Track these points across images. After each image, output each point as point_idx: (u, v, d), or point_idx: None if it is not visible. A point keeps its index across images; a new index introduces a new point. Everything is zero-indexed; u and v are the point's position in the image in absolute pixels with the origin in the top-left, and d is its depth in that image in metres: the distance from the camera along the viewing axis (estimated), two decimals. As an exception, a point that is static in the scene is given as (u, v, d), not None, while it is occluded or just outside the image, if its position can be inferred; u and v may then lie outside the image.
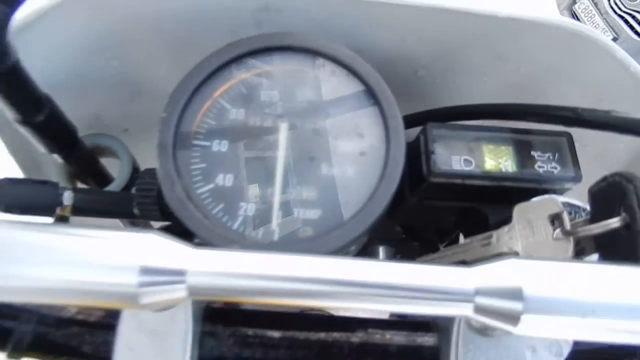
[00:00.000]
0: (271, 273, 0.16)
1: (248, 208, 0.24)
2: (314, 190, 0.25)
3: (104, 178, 0.34)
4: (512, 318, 0.17)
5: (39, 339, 0.22)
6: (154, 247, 0.16)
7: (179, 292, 0.16)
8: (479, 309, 0.17)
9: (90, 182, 0.33)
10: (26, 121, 0.25)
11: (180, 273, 0.16)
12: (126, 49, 0.31)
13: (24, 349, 0.22)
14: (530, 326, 0.18)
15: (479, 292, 0.17)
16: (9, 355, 0.22)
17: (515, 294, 0.17)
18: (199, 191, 0.24)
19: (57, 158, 0.29)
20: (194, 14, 0.29)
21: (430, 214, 0.32)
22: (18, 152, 0.32)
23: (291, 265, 0.17)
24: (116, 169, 0.36)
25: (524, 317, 0.17)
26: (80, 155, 0.30)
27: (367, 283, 0.17)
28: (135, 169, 0.33)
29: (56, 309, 0.22)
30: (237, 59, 0.26)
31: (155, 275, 0.15)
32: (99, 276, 0.15)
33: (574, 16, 2.94)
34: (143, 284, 0.15)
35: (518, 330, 0.18)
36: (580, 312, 0.17)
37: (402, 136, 0.25)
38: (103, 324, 0.22)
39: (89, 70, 0.31)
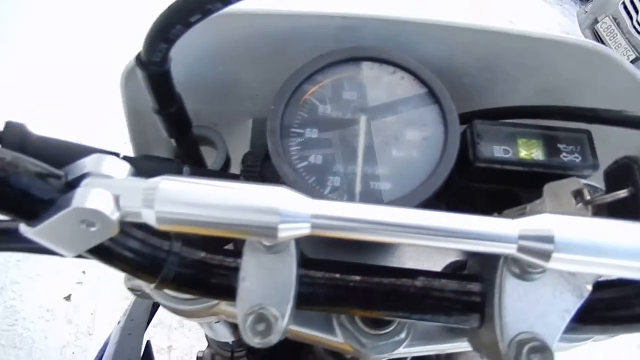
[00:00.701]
0: (366, 216, 0.23)
1: (334, 180, 0.32)
2: (386, 168, 0.32)
3: (200, 162, 0.41)
4: (545, 256, 0.24)
5: (179, 275, 0.27)
6: (287, 196, 0.23)
7: (304, 229, 0.23)
8: (521, 249, 0.24)
9: (191, 164, 0.41)
10: (161, 111, 0.33)
11: (307, 215, 0.22)
12: (228, 57, 0.38)
13: (167, 281, 0.28)
14: (558, 262, 0.24)
15: (521, 237, 0.24)
16: (156, 287, 0.28)
17: (548, 238, 0.24)
18: (298, 166, 0.32)
19: (172, 142, 0.36)
20: (285, 32, 0.37)
21: (471, 195, 0.38)
22: (138, 136, 0.40)
23: (379, 212, 0.24)
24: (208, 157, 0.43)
25: (554, 255, 0.24)
26: (188, 142, 0.38)
27: (441, 228, 0.24)
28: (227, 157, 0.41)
29: (192, 252, 0.28)
30: (327, 66, 0.34)
31: (289, 216, 0.22)
32: (251, 216, 0.21)
33: (596, 34, 2.97)
34: (281, 222, 0.22)
35: (550, 265, 0.24)
36: (595, 252, 0.24)
37: (457, 126, 0.32)
38: (227, 265, 0.29)
39: (201, 73, 0.38)
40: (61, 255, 0.25)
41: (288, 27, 0.36)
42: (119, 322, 0.48)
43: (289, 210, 0.22)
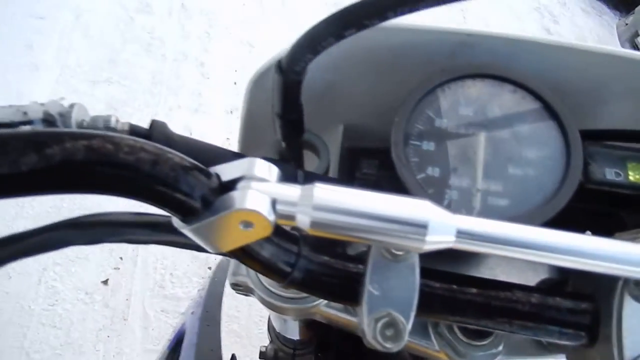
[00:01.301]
0: (509, 234, 0.24)
1: (452, 194, 0.32)
2: (503, 184, 0.32)
3: (302, 165, 0.42)
4: None
5: (306, 277, 0.28)
6: (434, 210, 0.24)
7: (448, 243, 0.24)
8: None
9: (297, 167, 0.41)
10: (283, 117, 0.34)
11: (452, 229, 0.23)
12: (340, 67, 0.39)
13: (295, 282, 0.29)
14: None
15: None
16: (283, 286, 0.29)
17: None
18: (418, 177, 0.32)
19: (281, 144, 0.37)
20: (401, 45, 0.37)
21: (571, 215, 0.39)
22: (247, 136, 0.40)
23: (523, 231, 0.24)
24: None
25: None
26: (296, 146, 0.38)
27: (580, 250, 0.25)
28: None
29: (318, 256, 0.29)
30: (448, 82, 0.35)
31: (436, 229, 0.23)
32: (400, 226, 0.23)
33: (636, 48, 2.92)
34: (429, 234, 0.23)
35: None
36: None
37: (580, 145, 0.33)
38: (350, 270, 0.29)
39: (315, 81, 0.39)
40: (205, 251, 0.26)
41: (405, 41, 0.37)
42: (192, 312, 0.49)
43: (436, 223, 0.23)
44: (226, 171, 0.23)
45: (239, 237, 0.23)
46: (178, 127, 1.83)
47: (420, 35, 0.36)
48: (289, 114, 0.33)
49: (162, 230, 0.25)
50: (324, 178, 0.39)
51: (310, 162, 0.39)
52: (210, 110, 1.95)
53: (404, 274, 0.26)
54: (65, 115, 0.25)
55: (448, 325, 0.35)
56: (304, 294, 0.33)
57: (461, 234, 0.23)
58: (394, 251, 0.26)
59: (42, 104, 0.26)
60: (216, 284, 0.53)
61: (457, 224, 0.23)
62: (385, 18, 0.26)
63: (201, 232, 0.22)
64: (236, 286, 0.35)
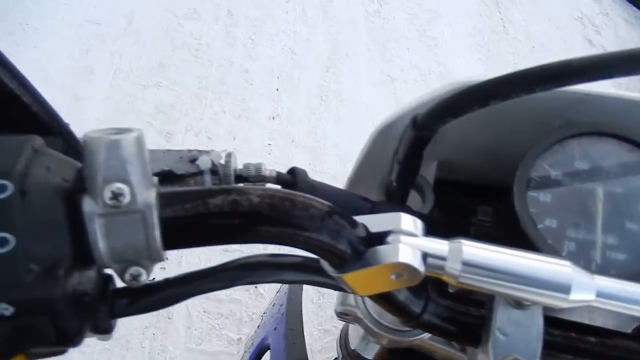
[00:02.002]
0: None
1: (570, 245, 0.34)
2: (621, 240, 0.34)
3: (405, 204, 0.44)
4: None
5: (433, 319, 0.29)
6: (577, 271, 0.25)
7: (586, 302, 0.25)
8: None
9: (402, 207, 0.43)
10: (404, 163, 0.35)
11: (593, 290, 0.25)
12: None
13: (422, 323, 0.30)
14: None
15: None
16: (409, 326, 0.31)
17: None
18: (539, 226, 0.34)
19: (394, 185, 0.38)
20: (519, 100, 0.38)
21: None
22: (358, 176, 0.42)
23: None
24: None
25: None
26: (407, 187, 0.40)
27: None
28: None
29: (444, 300, 0.31)
30: (566, 138, 0.36)
31: (578, 290, 0.25)
32: (544, 286, 0.25)
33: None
34: (571, 294, 0.25)
35: None
36: None
37: None
38: (472, 314, 0.30)
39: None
40: (344, 290, 0.28)
41: (518, 103, 0.38)
42: (275, 329, 0.52)
43: (579, 285, 0.25)
44: (373, 223, 0.25)
45: (386, 285, 0.25)
46: (222, 132, 1.89)
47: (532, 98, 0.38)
48: (410, 162, 0.35)
49: (311, 272, 0.27)
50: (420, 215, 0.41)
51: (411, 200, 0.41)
52: (253, 116, 1.99)
53: (529, 321, 0.27)
54: (225, 165, 0.28)
55: None
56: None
57: (601, 294, 0.25)
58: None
59: (208, 153, 0.29)
60: (294, 302, 0.56)
61: (598, 286, 0.25)
62: (533, 91, 0.27)
63: (350, 278, 0.25)
64: (343, 315, 0.37)
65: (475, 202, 0.40)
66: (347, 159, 2.06)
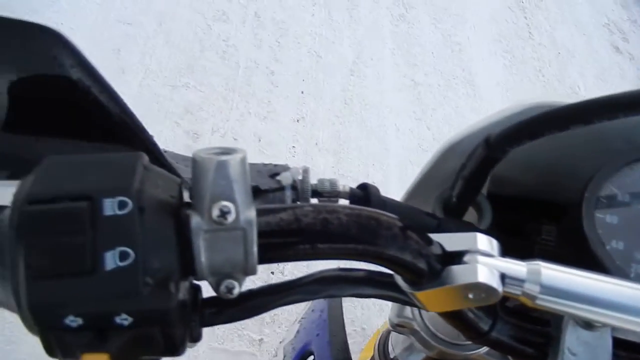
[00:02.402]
0: None
1: (637, 268, 0.34)
2: None
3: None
4: None
5: (501, 337, 0.30)
6: None
7: None
8: None
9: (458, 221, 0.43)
10: (469, 180, 0.35)
11: None
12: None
13: (490, 340, 0.30)
14: None
15: None
16: (476, 342, 0.31)
17: None
18: (607, 247, 0.34)
19: (453, 200, 0.38)
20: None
21: None
22: (417, 192, 0.42)
23: None
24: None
25: None
26: (467, 204, 0.40)
27: None
28: None
29: (510, 319, 0.31)
30: (633, 161, 0.36)
31: None
32: (627, 311, 0.25)
33: None
34: None
35: None
36: None
37: None
38: (539, 332, 0.30)
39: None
40: (415, 306, 0.29)
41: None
42: (317, 335, 0.52)
43: None
44: (447, 241, 0.26)
45: (461, 304, 0.26)
46: (248, 133, 1.90)
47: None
48: (476, 180, 0.36)
49: (383, 287, 0.28)
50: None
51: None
52: (278, 118, 2.01)
53: (599, 341, 0.28)
54: (303, 181, 0.29)
55: None
56: (468, 342, 0.36)
57: None
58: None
59: (286, 168, 0.30)
60: (334, 308, 0.57)
61: None
62: (616, 117, 0.28)
63: (424, 295, 0.26)
64: (399, 326, 0.38)
65: (530, 218, 0.40)
66: (369, 163, 2.06)
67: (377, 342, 0.59)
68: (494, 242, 0.26)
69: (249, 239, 0.21)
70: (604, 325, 0.27)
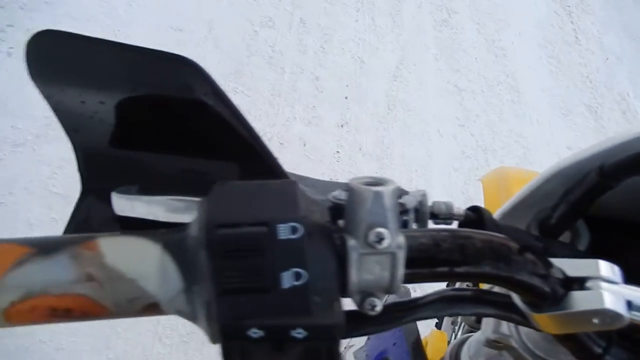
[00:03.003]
0: None
1: None
2: None
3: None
4: None
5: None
6: None
7: None
8: None
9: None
10: (575, 205, 0.36)
11: None
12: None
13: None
14: None
15: None
16: None
17: None
18: None
19: (552, 222, 0.39)
20: None
21: None
22: (516, 209, 0.43)
23: None
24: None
25: None
26: (565, 227, 0.40)
27: None
28: None
29: (628, 344, 0.32)
30: None
31: None
32: None
33: None
34: None
35: None
36: None
37: None
38: None
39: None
40: (539, 329, 0.30)
41: None
42: (394, 344, 0.54)
43: None
44: (567, 267, 0.27)
45: (582, 328, 0.27)
46: (293, 138, 1.93)
47: None
48: (582, 205, 0.36)
49: (503, 307, 0.29)
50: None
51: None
52: (322, 124, 2.03)
53: None
54: (422, 204, 0.31)
55: None
56: (569, 357, 0.37)
57: None
58: None
59: (408, 193, 0.31)
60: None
61: None
62: None
63: (543, 317, 0.27)
64: (495, 342, 0.39)
65: (631, 241, 0.40)
66: (412, 169, 2.06)
67: (450, 350, 0.60)
68: (616, 269, 0.27)
69: (397, 263, 0.23)
70: None
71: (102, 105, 0.33)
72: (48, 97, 0.33)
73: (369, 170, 1.97)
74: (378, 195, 0.22)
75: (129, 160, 0.38)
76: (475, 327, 0.71)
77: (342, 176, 1.93)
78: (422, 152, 2.14)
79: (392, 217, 0.22)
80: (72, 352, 1.35)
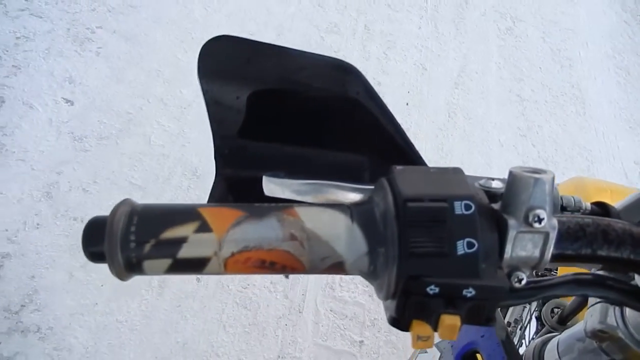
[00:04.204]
0: None
1: None
2: None
3: None
4: None
5: None
6: None
7: None
8: None
9: None
10: None
11: None
12: None
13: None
14: None
15: None
16: None
17: None
18: None
19: None
20: None
21: None
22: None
23: None
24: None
25: None
26: None
27: None
28: None
29: None
30: None
31: None
32: None
33: None
34: None
35: None
36: None
37: None
38: None
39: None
40: None
41: None
42: (482, 336, 0.56)
43: None
44: None
45: None
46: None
47: None
48: None
49: (626, 293, 0.32)
50: None
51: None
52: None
53: None
54: (555, 196, 0.34)
55: None
56: None
57: None
58: None
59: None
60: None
61: None
62: None
63: None
64: (600, 332, 0.41)
65: None
66: (471, 177, 2.05)
67: (532, 351, 0.62)
68: None
69: (548, 241, 0.26)
70: None
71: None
72: (205, 92, 0.39)
73: (429, 176, 1.98)
74: (540, 182, 0.26)
75: (270, 150, 0.42)
76: (556, 327, 0.72)
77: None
78: (482, 160, 2.13)
79: (549, 202, 0.26)
80: (144, 333, 1.44)
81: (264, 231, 0.26)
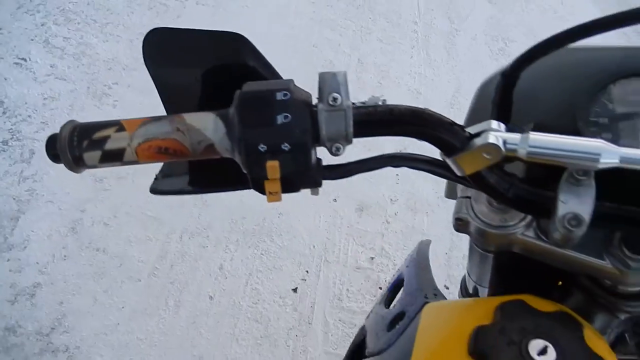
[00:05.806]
0: None
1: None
2: None
3: None
4: None
5: (516, 195, 0.40)
6: (604, 144, 0.36)
7: (614, 164, 0.37)
8: None
9: None
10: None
11: (615, 155, 0.35)
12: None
13: (506, 199, 0.40)
14: None
15: None
16: (499, 202, 0.44)
17: None
18: None
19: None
20: (578, 60, 0.50)
21: None
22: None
23: None
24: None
25: None
26: None
27: None
28: None
29: (525, 185, 0.42)
30: (617, 79, 0.47)
31: (606, 155, 0.36)
32: (580, 154, 0.36)
33: None
34: (601, 159, 0.36)
35: None
36: None
37: None
38: (547, 196, 0.39)
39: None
40: (458, 180, 0.43)
41: (581, 56, 0.50)
42: (407, 267, 0.64)
43: (606, 152, 0.36)
44: (473, 129, 0.40)
45: (480, 163, 0.39)
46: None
47: (594, 52, 0.49)
48: (502, 104, 0.48)
49: (434, 165, 0.43)
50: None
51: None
52: (383, 149, 2.18)
53: (584, 191, 0.38)
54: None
55: (619, 245, 0.44)
56: (508, 223, 0.48)
57: (623, 159, 0.36)
58: (577, 176, 0.38)
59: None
60: (422, 249, 0.70)
61: (621, 153, 0.36)
62: (574, 41, 0.41)
63: (456, 161, 0.39)
64: (458, 220, 0.50)
65: None
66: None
67: (460, 286, 0.70)
68: (502, 125, 0.39)
69: (348, 117, 0.38)
70: (588, 177, 0.37)
71: (193, 80, 0.51)
72: (155, 77, 0.51)
73: (426, 194, 2.06)
74: (334, 75, 0.38)
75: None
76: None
77: (402, 196, 2.04)
78: (481, 171, 2.20)
79: (343, 88, 0.38)
80: (163, 349, 1.54)
81: (160, 127, 0.39)
